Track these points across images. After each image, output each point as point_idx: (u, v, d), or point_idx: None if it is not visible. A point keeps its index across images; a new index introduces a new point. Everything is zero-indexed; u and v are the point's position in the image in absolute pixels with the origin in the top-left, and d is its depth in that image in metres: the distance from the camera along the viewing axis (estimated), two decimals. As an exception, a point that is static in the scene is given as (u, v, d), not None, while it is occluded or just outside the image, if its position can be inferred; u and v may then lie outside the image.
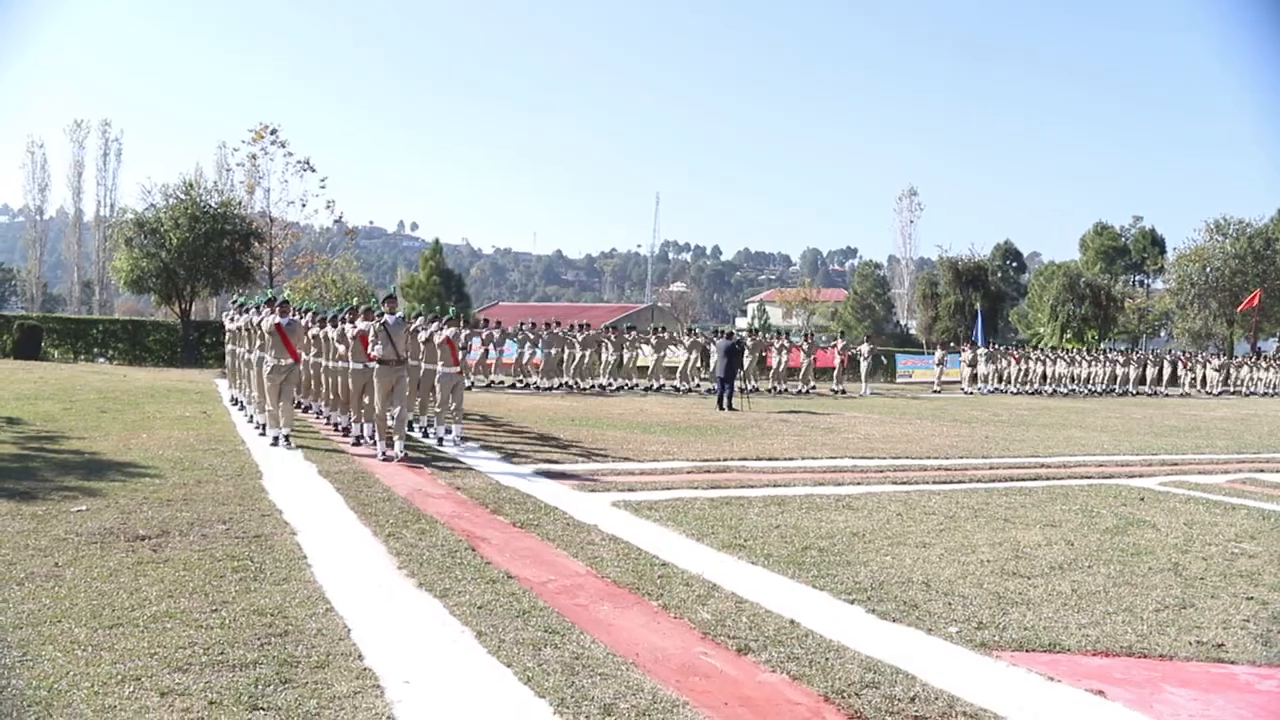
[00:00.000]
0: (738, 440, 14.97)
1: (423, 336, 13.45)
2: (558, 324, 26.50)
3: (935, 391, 31.60)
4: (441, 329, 13.25)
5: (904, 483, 11.16)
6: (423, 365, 13.61)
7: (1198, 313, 54.64)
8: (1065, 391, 34.18)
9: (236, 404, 16.28)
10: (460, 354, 13.52)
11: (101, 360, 30.65)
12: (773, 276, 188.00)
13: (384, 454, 11.47)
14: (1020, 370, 33.76)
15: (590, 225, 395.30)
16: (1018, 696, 4.49)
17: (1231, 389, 38.98)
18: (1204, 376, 38.89)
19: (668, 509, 8.88)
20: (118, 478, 9.33)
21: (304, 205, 36.79)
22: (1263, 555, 7.80)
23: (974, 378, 33.32)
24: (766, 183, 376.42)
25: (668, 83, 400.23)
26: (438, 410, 13.64)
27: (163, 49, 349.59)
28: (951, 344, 35.59)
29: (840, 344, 30.87)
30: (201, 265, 30.76)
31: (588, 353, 25.99)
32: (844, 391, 28.80)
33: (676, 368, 27.81)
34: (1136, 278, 74.79)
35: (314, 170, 36.39)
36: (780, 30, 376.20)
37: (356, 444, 12.66)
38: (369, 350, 12.00)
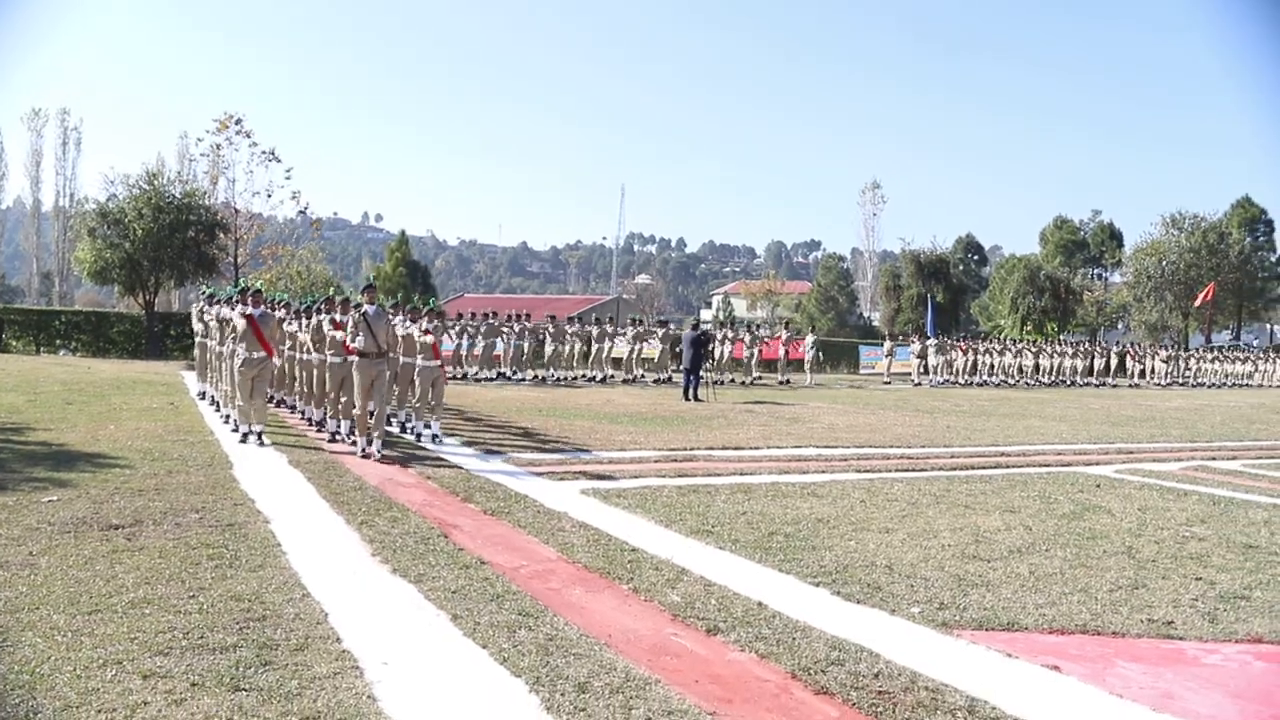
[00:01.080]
0: (704, 430, 15.14)
1: (401, 332, 12.89)
2: (494, 314, 26.42)
3: (885, 383, 31.86)
4: (418, 325, 12.92)
5: (867, 471, 11.38)
6: (400, 358, 13.08)
7: (1154, 305, 55.64)
8: (1013, 383, 34.51)
9: (205, 398, 15.81)
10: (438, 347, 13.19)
11: (64, 352, 30.30)
12: (738, 269, 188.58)
13: (363, 451, 11.11)
14: (968, 361, 34.01)
15: (556, 217, 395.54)
16: (977, 672, 4.67)
17: (1181, 380, 39.74)
18: (1152, 368, 39.68)
19: (636, 496, 9.02)
20: (87, 468, 9.32)
21: (269, 196, 36.42)
22: (1212, 538, 8.07)
23: (924, 369, 33.65)
24: (732, 175, 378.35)
25: (634, 74, 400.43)
26: (416, 405, 13.31)
27: (124, 36, 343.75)
28: (900, 336, 35.83)
29: (784, 335, 30.99)
30: (166, 256, 30.43)
31: (558, 344, 26.08)
32: (788, 382, 29.02)
33: (650, 359, 28.06)
34: (1095, 271, 75.88)
35: (279, 160, 36.00)
36: (747, 21, 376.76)
37: (332, 440, 12.26)
38: (347, 343, 11.58)
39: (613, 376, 26.96)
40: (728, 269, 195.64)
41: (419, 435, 12.94)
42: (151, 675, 4.18)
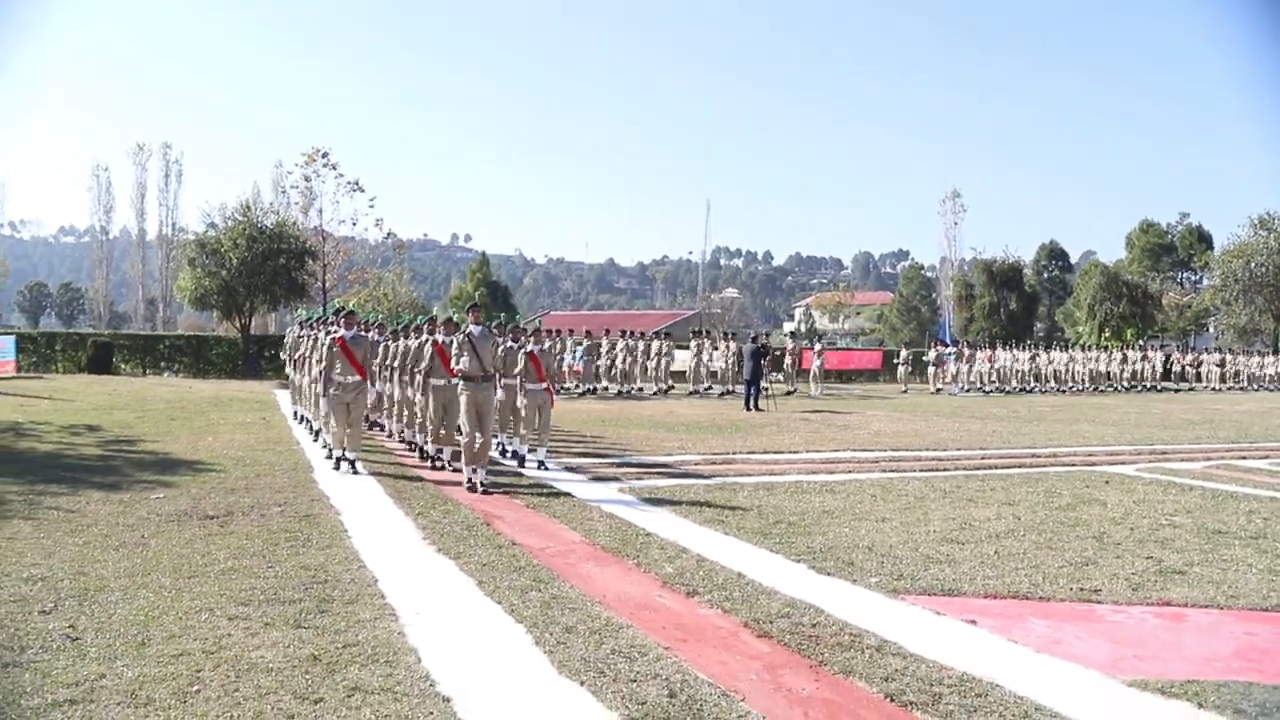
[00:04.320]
0: (752, 436, 16.06)
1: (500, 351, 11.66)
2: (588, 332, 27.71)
3: (902, 392, 31.45)
4: (524, 345, 11.90)
5: (891, 471, 12.21)
6: (503, 381, 11.79)
7: (1243, 309, 54.46)
8: (1042, 390, 33.84)
9: (301, 421, 15.80)
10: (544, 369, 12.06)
11: (168, 374, 32.50)
12: (824, 280, 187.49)
13: (469, 481, 10.24)
14: (992, 369, 33.45)
15: (642, 233, 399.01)
16: (902, 624, 5.58)
17: (1239, 384, 38.78)
18: (1205, 372, 38.99)
19: (665, 493, 10.05)
20: (188, 472, 10.73)
21: (354, 224, 38.60)
22: (1187, 526, 8.75)
23: (941, 376, 33.08)
24: (818, 187, 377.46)
25: (719, 88, 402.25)
26: (523, 432, 12.34)
27: (222, 69, 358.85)
28: (934, 343, 35.61)
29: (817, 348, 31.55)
30: (259, 282, 32.47)
31: (627, 357, 27.15)
32: (794, 392, 29.20)
33: (717, 372, 28.97)
34: (1183, 275, 74.31)
35: (363, 190, 38.12)
36: (831, 34, 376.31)
37: (434, 468, 11.70)
38: (451, 365, 11.05)
39: (675, 389, 27.92)
40: (814, 281, 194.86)
41: (522, 460, 12.21)
42: (235, 618, 5.37)
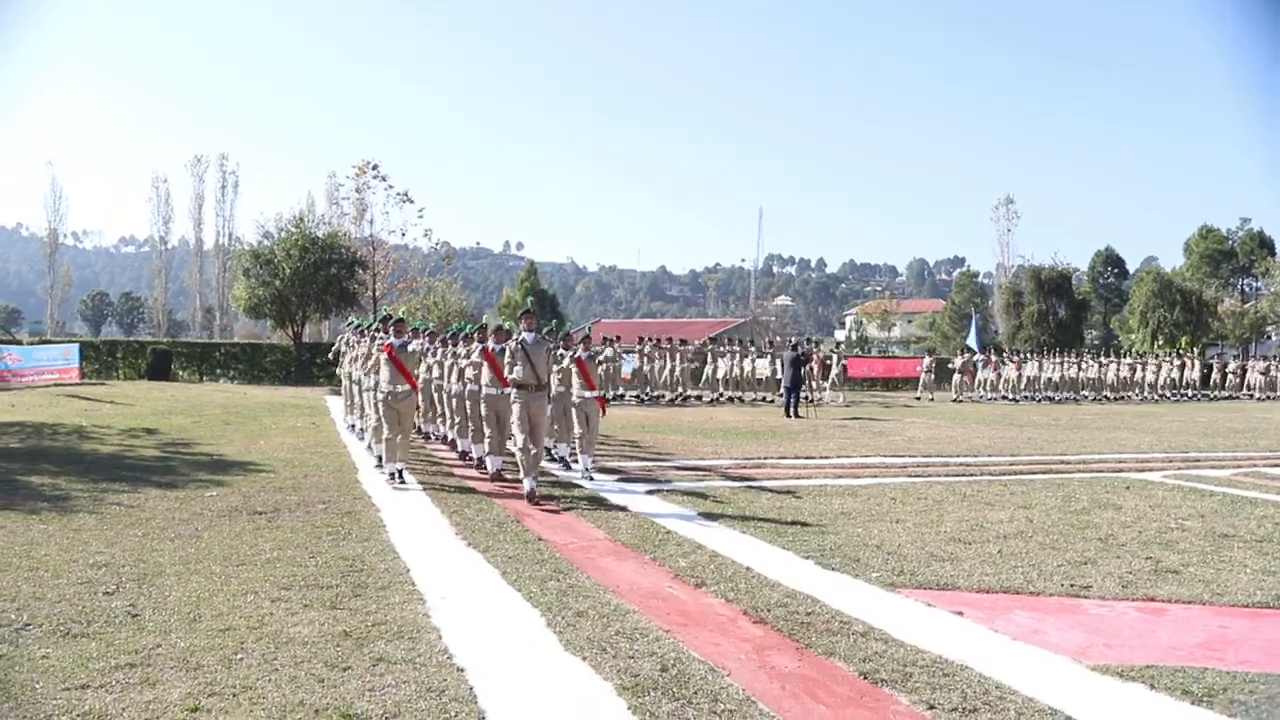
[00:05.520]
0: (786, 442, 16.41)
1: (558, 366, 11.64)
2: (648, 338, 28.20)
3: (923, 399, 31.27)
4: (574, 352, 11.74)
5: (916, 476, 12.50)
6: (554, 389, 11.71)
7: (1304, 315, 53.50)
8: (1062, 399, 33.22)
9: (354, 430, 15.72)
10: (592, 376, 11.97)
11: (224, 380, 33.60)
12: (879, 288, 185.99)
13: (529, 492, 10.07)
14: (1020, 376, 33.04)
15: (695, 241, 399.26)
16: (893, 614, 5.94)
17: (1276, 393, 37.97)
18: (1250, 380, 38.32)
19: (691, 495, 10.46)
20: (240, 473, 11.37)
21: (403, 234, 39.65)
22: (1196, 529, 8.96)
23: (968, 384, 32.81)
24: (872, 194, 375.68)
25: (770, 96, 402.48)
26: (575, 438, 12.07)
27: (281, 80, 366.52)
28: (963, 351, 35.25)
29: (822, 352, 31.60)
30: (311, 292, 33.47)
31: (669, 364, 27.57)
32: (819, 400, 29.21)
33: (763, 379, 29.36)
34: (1244, 281, 72.93)
35: (412, 201, 39.19)
36: (883, 41, 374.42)
37: (486, 477, 11.53)
38: (504, 373, 10.93)
39: (720, 397, 28.28)
40: (868, 288, 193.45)
41: (567, 463, 12.37)
42: (277, 600, 5.89)
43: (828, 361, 30.56)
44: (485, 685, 4.56)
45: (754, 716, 4.26)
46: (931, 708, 4.38)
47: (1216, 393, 37.73)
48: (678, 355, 27.95)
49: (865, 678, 4.75)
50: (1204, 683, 4.72)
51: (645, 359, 27.47)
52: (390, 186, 38.76)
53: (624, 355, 27.50)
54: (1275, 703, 4.48)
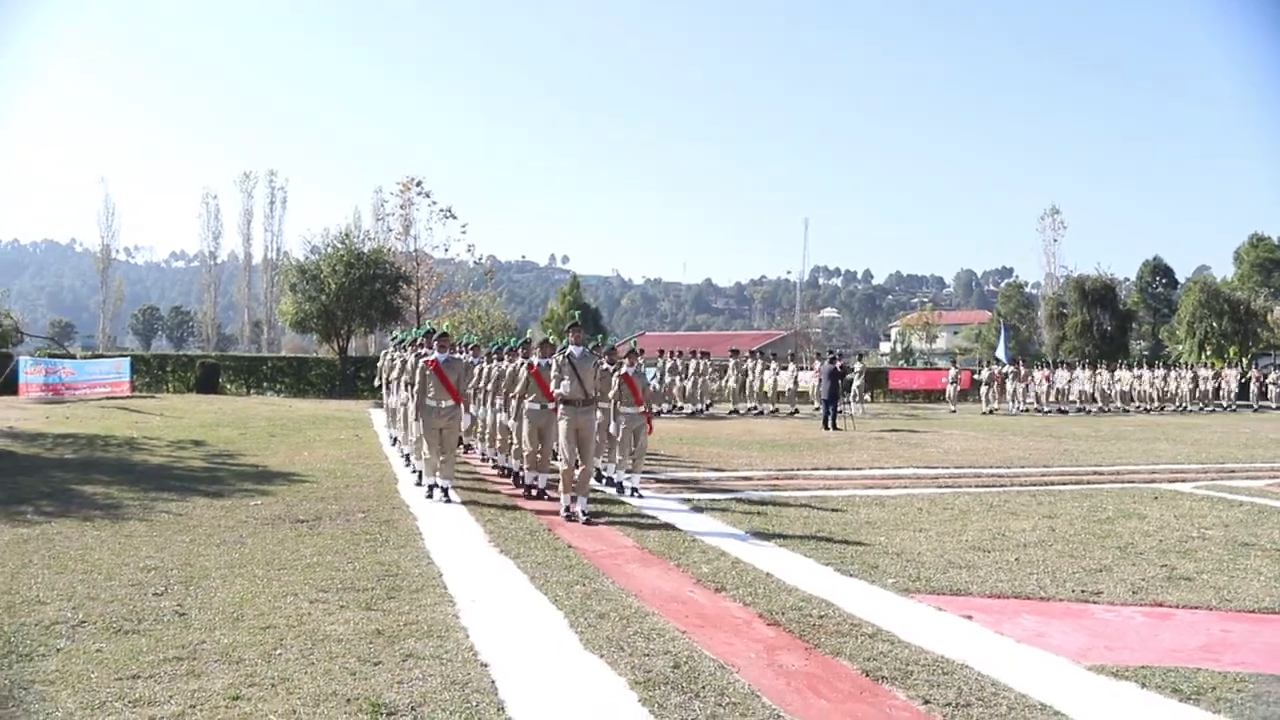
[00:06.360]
0: (821, 454, 16.56)
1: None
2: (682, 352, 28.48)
3: (952, 411, 31.11)
4: (620, 366, 11.23)
5: (946, 486, 12.62)
6: (601, 405, 11.11)
7: (1359, 325, 52.35)
8: (1098, 410, 32.79)
9: (396, 445, 15.34)
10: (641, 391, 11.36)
11: (270, 393, 34.33)
12: (926, 299, 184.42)
13: (567, 510, 9.86)
14: (1050, 388, 32.73)
15: (740, 253, 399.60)
16: (904, 617, 6.14)
17: None
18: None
19: (721, 504, 10.70)
20: (283, 483, 11.79)
21: (446, 250, 40.38)
22: (1217, 539, 9.03)
23: (1000, 395, 32.40)
24: (918, 205, 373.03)
25: (815, 109, 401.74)
26: (619, 458, 11.72)
27: (328, 95, 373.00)
28: (987, 362, 34.79)
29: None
30: (356, 306, 34.13)
31: (704, 378, 27.80)
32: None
33: (805, 391, 29.59)
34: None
35: (455, 217, 39.88)
36: (928, 53, 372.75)
37: (529, 495, 11.26)
38: (550, 389, 10.64)
39: (761, 409, 28.44)
40: (915, 299, 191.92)
41: (620, 487, 11.68)
42: (315, 601, 6.23)
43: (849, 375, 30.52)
44: (506, 678, 4.84)
45: (757, 709, 4.50)
46: (926, 702, 4.59)
47: (1259, 403, 37.15)
48: (701, 367, 28.10)
49: (867, 675, 4.97)
50: (1195, 682, 4.88)
51: (670, 372, 27.68)
52: (434, 203, 39.52)
53: (646, 369, 27.73)
54: (1262, 700, 4.63)
